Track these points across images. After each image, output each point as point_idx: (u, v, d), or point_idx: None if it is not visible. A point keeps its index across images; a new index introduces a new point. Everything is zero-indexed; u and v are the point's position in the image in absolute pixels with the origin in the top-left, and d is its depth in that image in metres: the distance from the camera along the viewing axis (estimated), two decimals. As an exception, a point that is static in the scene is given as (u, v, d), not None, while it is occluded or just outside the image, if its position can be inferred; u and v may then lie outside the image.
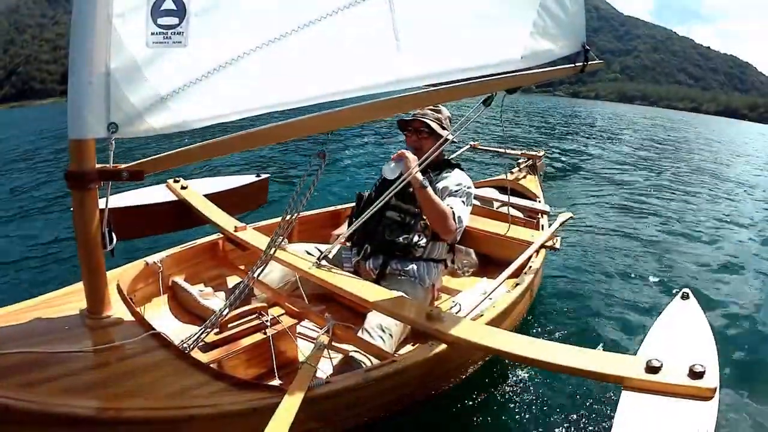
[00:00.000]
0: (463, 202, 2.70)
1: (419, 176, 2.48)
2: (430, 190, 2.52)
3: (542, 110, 33.74)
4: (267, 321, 2.17)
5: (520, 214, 3.85)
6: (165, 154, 1.80)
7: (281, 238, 1.99)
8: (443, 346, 2.07)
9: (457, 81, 1.88)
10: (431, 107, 2.78)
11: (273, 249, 1.99)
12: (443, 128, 2.77)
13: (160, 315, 2.56)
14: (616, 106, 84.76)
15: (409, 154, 2.52)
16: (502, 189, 4.16)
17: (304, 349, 2.27)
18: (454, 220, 2.58)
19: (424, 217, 2.67)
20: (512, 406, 2.48)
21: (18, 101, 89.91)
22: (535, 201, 4.20)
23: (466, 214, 2.72)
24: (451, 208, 2.61)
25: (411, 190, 2.68)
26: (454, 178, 2.78)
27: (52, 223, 5.68)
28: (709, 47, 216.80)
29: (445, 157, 2.98)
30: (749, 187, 10.51)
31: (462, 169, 2.90)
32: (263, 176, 3.65)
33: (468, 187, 2.78)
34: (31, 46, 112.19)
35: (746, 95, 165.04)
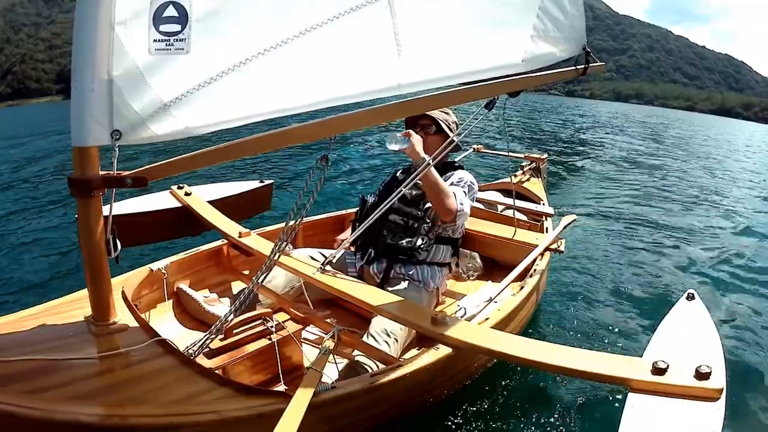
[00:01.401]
0: (464, 192, 2.69)
1: (423, 155, 2.41)
2: (432, 168, 2.44)
3: (539, 110, 33.73)
4: (272, 327, 2.17)
5: (524, 217, 3.85)
6: (169, 160, 1.80)
7: (285, 243, 1.99)
8: (448, 350, 2.07)
9: (459, 85, 1.88)
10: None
11: (277, 254, 1.99)
12: (450, 130, 2.77)
13: (164, 321, 2.56)
14: (611, 105, 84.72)
15: (415, 135, 2.47)
16: (506, 192, 4.15)
17: (309, 355, 2.27)
18: (456, 199, 2.55)
19: (428, 220, 2.67)
20: (518, 409, 2.48)
21: (14, 100, 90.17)
22: (539, 204, 4.20)
23: (468, 203, 2.68)
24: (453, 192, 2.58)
25: (414, 193, 2.69)
26: (456, 176, 2.78)
27: (56, 229, 5.69)
28: (704, 46, 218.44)
29: (448, 159, 2.97)
30: (754, 187, 10.49)
31: (465, 170, 2.90)
32: (267, 182, 3.65)
33: (470, 182, 2.77)
34: (26, 45, 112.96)
35: (741, 94, 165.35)
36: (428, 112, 2.74)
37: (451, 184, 2.70)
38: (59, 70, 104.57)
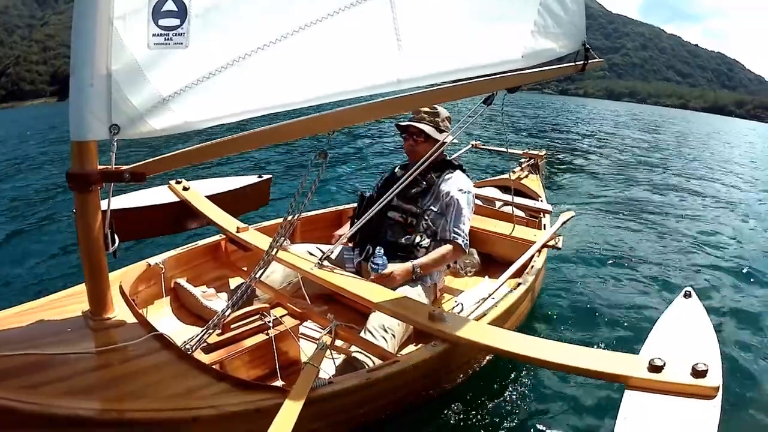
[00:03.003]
0: (465, 217, 2.74)
1: (407, 271, 2.59)
2: (423, 260, 2.63)
3: (535, 108, 33.67)
4: (269, 322, 2.17)
5: (522, 214, 3.85)
6: (167, 155, 1.80)
7: (283, 238, 1.99)
8: (445, 346, 2.08)
9: (458, 80, 1.88)
10: (427, 110, 2.77)
11: (275, 249, 1.99)
12: (441, 130, 2.77)
13: (162, 316, 2.57)
14: (604, 103, 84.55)
15: (390, 268, 2.55)
16: (504, 188, 4.15)
17: (306, 350, 2.27)
18: (462, 246, 2.69)
19: (426, 217, 2.68)
20: (515, 405, 2.48)
21: (8, 102, 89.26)
22: (537, 200, 4.20)
23: (469, 225, 2.78)
24: (455, 236, 2.68)
25: (413, 191, 2.69)
26: (456, 182, 2.78)
27: (53, 224, 5.68)
28: (697, 45, 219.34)
29: (446, 158, 2.97)
30: (751, 185, 10.51)
31: (463, 170, 2.90)
32: (265, 177, 3.65)
33: (468, 192, 2.79)
34: (20, 47, 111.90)
35: (734, 92, 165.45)
36: (415, 123, 2.76)
37: (448, 204, 2.72)
38: (53, 72, 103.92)
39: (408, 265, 2.59)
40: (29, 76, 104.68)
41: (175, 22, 1.51)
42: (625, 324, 3.44)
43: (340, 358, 2.22)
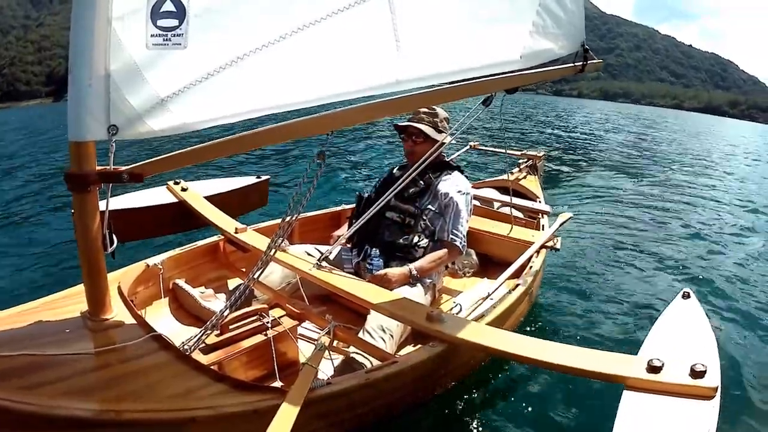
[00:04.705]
0: (463, 219, 2.76)
1: (405, 273, 2.60)
2: (420, 263, 2.64)
3: (531, 108, 33.72)
4: (268, 322, 2.17)
5: (520, 215, 3.86)
6: (165, 155, 1.79)
7: (281, 239, 1.98)
8: (444, 347, 2.08)
9: (457, 81, 1.88)
10: (426, 110, 2.78)
11: (273, 250, 1.99)
12: (439, 131, 2.77)
13: (161, 317, 2.56)
14: (598, 103, 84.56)
15: (388, 273, 2.58)
16: (503, 189, 4.15)
17: (305, 351, 2.27)
18: (459, 248, 2.73)
19: (424, 217, 2.68)
20: (513, 406, 2.48)
21: (3, 102, 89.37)
22: (536, 201, 4.20)
23: (467, 226, 2.80)
24: (453, 238, 2.71)
25: (411, 190, 2.70)
26: (454, 183, 2.79)
27: (51, 224, 5.67)
28: (691, 45, 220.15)
29: (445, 159, 2.97)
30: (749, 184, 10.52)
31: (461, 171, 2.91)
32: (263, 177, 3.65)
33: (467, 193, 2.81)
34: (15, 47, 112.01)
35: (728, 92, 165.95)
36: (414, 124, 2.77)
37: (447, 205, 2.73)
38: (49, 72, 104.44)
39: (405, 269, 2.59)
40: (25, 76, 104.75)
41: (174, 22, 1.50)
42: (624, 325, 3.44)
43: (338, 359, 2.22)
